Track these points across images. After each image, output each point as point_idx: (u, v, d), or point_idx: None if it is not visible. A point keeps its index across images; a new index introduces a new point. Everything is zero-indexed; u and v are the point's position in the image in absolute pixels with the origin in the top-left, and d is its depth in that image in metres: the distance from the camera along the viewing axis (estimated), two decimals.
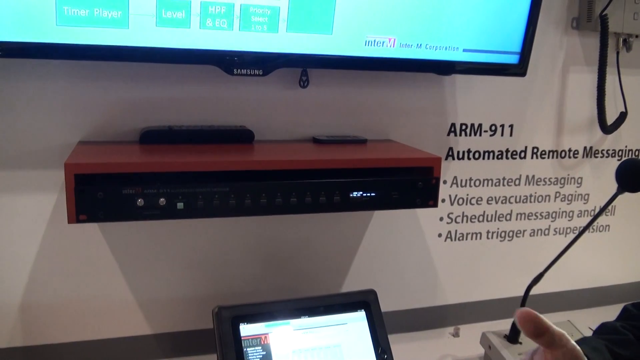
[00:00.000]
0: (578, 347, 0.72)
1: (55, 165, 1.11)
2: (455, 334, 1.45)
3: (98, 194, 0.91)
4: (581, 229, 1.52)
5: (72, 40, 0.96)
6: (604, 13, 1.35)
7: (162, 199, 0.94)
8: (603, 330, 0.95)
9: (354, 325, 1.13)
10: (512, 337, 1.24)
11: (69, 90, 1.10)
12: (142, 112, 1.15)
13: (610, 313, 1.44)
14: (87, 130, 1.12)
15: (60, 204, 1.14)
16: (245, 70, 1.07)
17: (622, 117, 1.48)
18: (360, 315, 1.14)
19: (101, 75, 1.11)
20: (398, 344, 1.15)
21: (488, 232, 1.48)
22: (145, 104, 1.14)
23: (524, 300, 1.23)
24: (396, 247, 1.40)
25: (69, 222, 0.92)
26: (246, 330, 1.06)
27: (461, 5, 1.15)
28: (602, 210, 1.14)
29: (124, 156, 1.01)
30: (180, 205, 0.96)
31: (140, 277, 1.23)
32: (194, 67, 1.13)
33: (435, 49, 1.17)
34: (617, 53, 1.45)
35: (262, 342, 1.06)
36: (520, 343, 1.23)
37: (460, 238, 1.46)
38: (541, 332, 0.66)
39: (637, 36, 1.45)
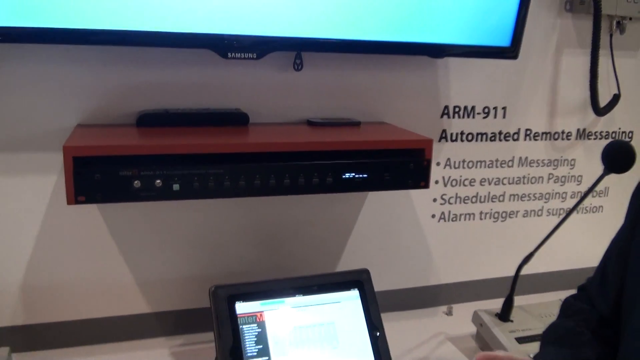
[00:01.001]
0: None
1: (54, 148, 1.13)
2: (449, 313, 1.48)
3: (96, 176, 0.93)
4: (577, 209, 1.55)
5: (69, 25, 0.97)
6: None
7: (158, 181, 0.96)
8: (560, 333, 0.94)
9: (348, 304, 1.15)
10: (504, 315, 1.27)
11: (67, 74, 1.12)
12: (138, 95, 1.17)
13: None
14: (85, 114, 1.14)
15: (60, 186, 1.16)
16: (239, 54, 1.08)
17: (615, 99, 1.49)
18: (354, 294, 1.16)
19: (98, 60, 1.12)
20: (392, 322, 1.18)
21: (481, 213, 1.51)
22: (141, 88, 1.16)
23: (515, 279, 1.25)
24: (390, 228, 1.43)
25: (68, 203, 0.95)
26: (242, 308, 1.09)
27: None
28: (589, 191, 1.16)
29: (122, 139, 1.04)
30: (176, 186, 0.98)
31: (139, 258, 1.25)
32: (189, 51, 1.15)
33: (428, 33, 1.19)
34: (611, 35, 1.46)
35: (258, 320, 1.09)
36: (512, 321, 1.26)
37: (454, 219, 1.49)
38: None
39: (630, 18, 1.46)
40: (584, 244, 1.60)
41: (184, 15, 1.02)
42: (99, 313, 1.26)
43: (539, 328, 1.23)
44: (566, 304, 1.00)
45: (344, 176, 1.08)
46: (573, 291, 1.54)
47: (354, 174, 1.09)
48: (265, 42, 1.09)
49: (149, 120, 1.13)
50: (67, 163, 0.93)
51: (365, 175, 1.09)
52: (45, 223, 1.18)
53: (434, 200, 1.45)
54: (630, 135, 1.59)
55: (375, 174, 1.10)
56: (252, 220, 1.31)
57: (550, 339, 0.94)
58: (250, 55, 1.09)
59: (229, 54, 1.07)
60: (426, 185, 1.15)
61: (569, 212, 1.20)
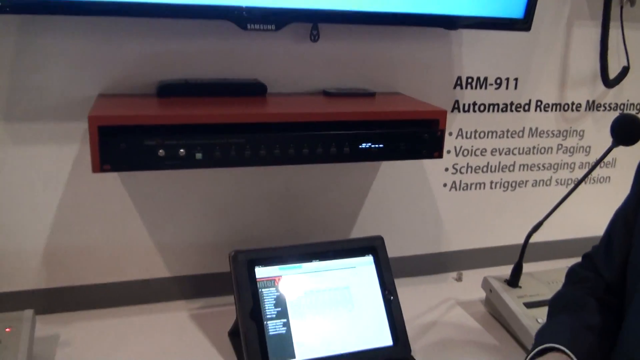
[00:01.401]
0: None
1: (76, 117, 1.16)
2: (459, 279, 1.52)
3: (121, 145, 0.97)
4: (585, 179, 1.58)
5: None
6: None
7: (181, 150, 1.00)
8: (567, 300, 0.97)
9: (362, 269, 1.20)
10: (513, 281, 1.31)
11: (88, 45, 1.14)
12: (158, 66, 1.19)
13: None
14: (106, 84, 1.17)
15: (82, 154, 1.19)
16: (258, 25, 1.11)
17: (625, 71, 1.51)
18: (368, 259, 1.20)
19: (119, 31, 1.15)
20: (404, 287, 1.22)
21: (491, 182, 1.54)
22: (161, 58, 1.19)
23: (524, 247, 1.29)
24: (402, 196, 1.46)
25: (94, 171, 0.98)
26: (261, 272, 1.13)
27: None
28: (598, 162, 1.19)
29: (145, 109, 1.07)
30: (198, 155, 1.01)
31: (159, 224, 1.29)
32: (208, 22, 1.17)
33: (443, 5, 1.21)
34: (621, 7, 1.47)
35: (276, 284, 1.13)
36: (520, 287, 1.30)
37: (465, 188, 1.52)
38: None
39: None
40: (591, 214, 1.63)
41: None
42: (120, 277, 1.30)
43: (546, 294, 1.27)
44: (572, 272, 1.04)
45: (360, 146, 1.11)
46: (579, 259, 1.58)
47: (370, 144, 1.12)
48: (284, 13, 1.11)
49: (169, 91, 1.16)
50: (93, 132, 0.97)
51: (381, 145, 1.13)
52: (68, 190, 1.21)
53: (446, 169, 1.48)
54: (638, 107, 1.61)
55: (390, 144, 1.13)
56: (268, 188, 1.34)
57: (558, 307, 0.97)
58: (269, 26, 1.11)
59: (249, 25, 1.10)
60: (440, 155, 1.18)
61: (578, 183, 1.23)
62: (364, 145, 1.11)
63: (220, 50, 1.22)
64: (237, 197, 1.33)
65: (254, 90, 1.22)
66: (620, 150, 1.18)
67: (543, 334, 0.92)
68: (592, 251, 1.02)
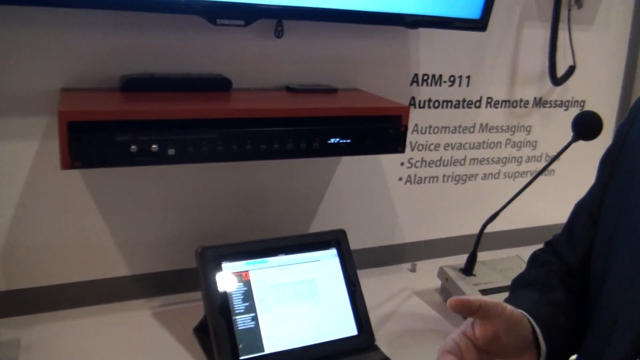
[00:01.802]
0: (516, 311, 0.81)
1: (38, 112, 1.13)
2: (413, 269, 1.57)
3: (93, 141, 0.95)
4: (530, 172, 1.66)
5: None
6: None
7: (154, 146, 0.99)
8: (531, 279, 1.00)
9: (327, 262, 1.22)
10: (467, 269, 1.37)
11: (50, 38, 1.11)
12: (122, 59, 1.17)
13: None
14: (68, 78, 1.14)
15: (43, 150, 1.16)
16: (228, 21, 1.11)
17: (571, 70, 1.60)
18: (332, 252, 1.23)
19: (82, 23, 1.12)
20: (362, 278, 1.25)
21: (444, 176, 1.59)
22: (125, 52, 1.17)
23: (479, 237, 1.35)
24: (361, 191, 1.50)
25: (63, 168, 0.96)
26: (228, 268, 1.13)
27: None
28: (558, 155, 1.26)
29: (113, 104, 1.05)
30: (171, 151, 1.01)
31: (120, 222, 1.27)
32: (175, 16, 1.16)
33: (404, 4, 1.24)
34: (569, 10, 1.56)
35: (244, 279, 1.14)
36: (474, 275, 1.36)
37: (419, 182, 1.57)
38: (474, 309, 0.76)
39: None
40: (539, 205, 1.72)
41: None
42: (81, 277, 1.27)
43: (500, 281, 1.35)
44: (535, 257, 1.07)
45: (329, 141, 1.14)
46: (529, 247, 1.66)
47: (338, 139, 1.14)
48: (254, 9, 1.12)
49: (135, 85, 1.14)
50: (62, 128, 0.94)
51: (348, 141, 1.15)
52: (27, 188, 1.17)
53: (402, 164, 1.53)
54: (582, 104, 1.71)
55: (357, 139, 1.16)
56: (228, 184, 1.34)
57: (520, 285, 1.00)
58: (239, 22, 1.12)
59: (219, 21, 1.10)
60: (403, 150, 1.23)
61: (537, 175, 1.30)
62: (332, 140, 1.14)
63: (185, 44, 1.21)
64: (198, 194, 1.32)
65: (219, 85, 1.22)
66: (561, 145, 1.25)
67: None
68: (554, 238, 1.06)
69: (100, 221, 1.25)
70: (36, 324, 1.20)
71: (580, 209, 0.97)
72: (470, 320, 0.81)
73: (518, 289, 0.99)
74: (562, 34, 1.57)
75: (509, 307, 0.82)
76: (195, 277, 1.27)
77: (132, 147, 0.98)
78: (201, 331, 1.18)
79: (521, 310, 0.84)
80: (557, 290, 0.93)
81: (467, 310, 0.77)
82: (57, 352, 1.12)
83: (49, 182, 1.18)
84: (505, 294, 1.28)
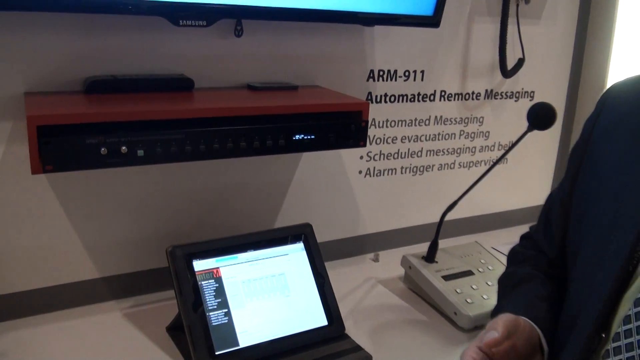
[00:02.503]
0: (526, 320, 0.88)
1: (2, 117, 1.12)
2: (375, 259, 1.62)
3: (64, 145, 0.95)
4: (484, 162, 1.73)
5: None
6: None
7: (123, 147, 1.00)
8: (518, 278, 1.03)
9: (295, 255, 1.25)
10: (429, 257, 1.41)
11: (12, 41, 1.10)
12: (85, 62, 1.17)
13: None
14: (31, 82, 1.14)
15: (7, 155, 1.15)
16: (190, 21, 1.12)
17: (520, 62, 1.67)
18: (299, 246, 1.26)
19: (44, 26, 1.12)
20: (329, 270, 1.28)
21: (402, 167, 1.64)
22: (88, 54, 1.17)
23: (440, 225, 1.40)
24: (324, 185, 1.53)
25: (34, 172, 0.96)
26: (199, 265, 1.15)
27: None
28: (514, 144, 1.32)
29: (79, 107, 1.06)
30: (140, 152, 1.02)
31: (88, 224, 1.27)
32: (139, 17, 1.17)
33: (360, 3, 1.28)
34: (517, 5, 1.63)
35: (215, 275, 1.16)
36: (436, 262, 1.41)
37: (378, 174, 1.61)
38: (503, 340, 0.82)
39: None
40: (494, 193, 1.79)
41: None
42: (48, 282, 1.26)
43: (460, 266, 1.40)
44: (515, 254, 1.12)
45: (294, 138, 1.16)
46: (487, 233, 1.73)
47: (303, 136, 1.17)
48: (216, 9, 1.14)
49: (99, 87, 1.15)
50: (31, 132, 0.95)
51: (312, 137, 1.19)
52: None
53: (361, 157, 1.57)
54: (532, 94, 1.79)
55: (321, 135, 1.20)
56: (193, 183, 1.36)
57: (509, 284, 1.03)
58: (201, 22, 1.13)
59: (181, 21, 1.11)
60: (364, 144, 1.27)
61: (495, 163, 1.36)
62: (297, 136, 1.17)
63: (147, 45, 1.22)
64: (165, 194, 1.33)
65: (182, 85, 1.23)
66: (515, 135, 1.32)
67: (500, 309, 0.97)
68: (531, 232, 1.11)
69: (68, 225, 1.25)
70: (7, 331, 1.19)
71: (553, 200, 1.02)
72: (482, 334, 0.85)
73: (508, 289, 1.03)
74: (511, 29, 1.63)
75: (522, 319, 0.87)
76: (163, 276, 1.29)
77: (102, 149, 0.98)
78: (175, 329, 1.20)
79: (523, 317, 0.89)
80: (545, 284, 0.98)
81: (498, 344, 0.82)
82: (30, 359, 1.12)
83: (14, 187, 1.18)
84: (467, 279, 1.36)
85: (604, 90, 0.97)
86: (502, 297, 1.03)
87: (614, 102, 0.90)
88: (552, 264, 1.02)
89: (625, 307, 0.77)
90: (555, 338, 0.90)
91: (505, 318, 0.86)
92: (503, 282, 1.07)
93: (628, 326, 0.75)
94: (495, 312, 0.99)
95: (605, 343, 0.78)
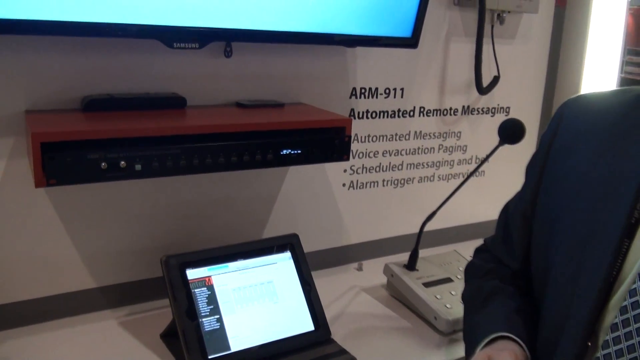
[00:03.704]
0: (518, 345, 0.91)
1: (4, 133, 1.18)
2: (359, 269, 1.68)
3: (66, 160, 1.02)
4: (462, 174, 1.80)
5: (17, 15, 1.03)
6: None
7: (122, 162, 1.06)
8: (486, 292, 1.03)
9: (282, 264, 1.31)
10: (410, 265, 1.48)
11: (14, 62, 1.16)
12: (84, 81, 1.24)
13: None
14: (32, 101, 1.20)
15: (10, 169, 1.21)
16: (183, 44, 1.20)
17: (495, 80, 1.76)
18: (287, 255, 1.32)
19: (46, 47, 1.18)
20: (315, 278, 1.34)
21: (384, 180, 1.71)
22: (85, 74, 1.24)
23: (420, 235, 1.47)
24: (309, 197, 1.60)
25: (37, 186, 1.02)
26: (192, 274, 1.20)
27: None
28: (487, 157, 1.40)
29: (79, 124, 1.12)
30: (138, 167, 1.08)
31: (85, 235, 1.32)
32: (135, 40, 1.23)
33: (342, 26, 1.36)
34: (492, 26, 1.72)
35: (207, 284, 1.21)
36: (417, 270, 1.48)
37: (361, 187, 1.68)
38: None
39: (509, 12, 1.73)
40: (472, 204, 1.86)
41: (136, 9, 1.12)
42: (46, 292, 1.31)
43: (440, 274, 1.47)
44: (475, 268, 1.13)
45: (282, 152, 1.24)
46: (465, 242, 1.79)
47: (290, 150, 1.24)
48: (207, 32, 1.21)
49: (96, 105, 1.21)
50: (35, 148, 1.01)
51: (299, 151, 1.26)
52: None
53: (345, 171, 1.64)
54: (507, 110, 1.87)
55: (307, 150, 1.27)
56: (186, 196, 1.42)
57: (479, 299, 1.04)
58: (194, 45, 1.20)
59: (175, 44, 1.18)
60: (347, 158, 1.34)
61: (469, 176, 1.43)
62: (284, 151, 1.24)
63: (142, 66, 1.29)
64: (158, 206, 1.39)
65: (175, 103, 1.30)
66: (491, 148, 1.40)
67: (480, 326, 0.98)
68: (489, 245, 1.14)
69: (65, 236, 1.30)
70: (9, 339, 1.24)
71: (512, 213, 1.05)
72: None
73: (478, 305, 1.04)
74: (487, 48, 1.72)
75: (519, 351, 0.90)
76: (156, 285, 1.35)
77: (103, 164, 1.05)
78: (169, 336, 1.25)
79: (505, 333, 0.93)
80: (515, 297, 1.01)
81: None
82: None
83: (15, 199, 1.23)
84: (446, 285, 1.43)
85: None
86: (475, 313, 1.04)
87: (571, 117, 0.95)
88: (515, 275, 1.04)
89: (612, 315, 0.80)
90: (539, 351, 0.92)
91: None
92: (471, 296, 1.08)
93: (616, 333, 0.79)
94: (473, 329, 1.01)
95: (595, 351, 0.81)
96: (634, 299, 0.78)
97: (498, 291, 1.02)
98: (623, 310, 0.79)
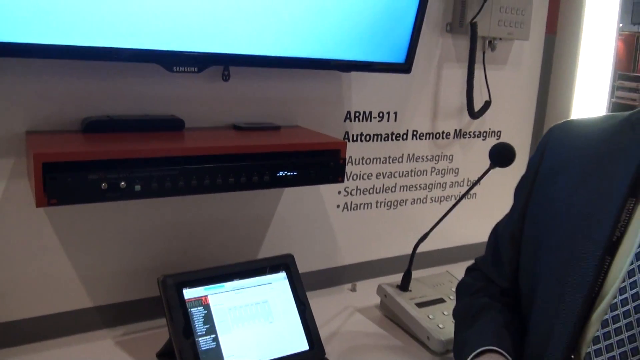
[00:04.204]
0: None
1: (5, 154, 1.20)
2: (353, 289, 1.70)
3: (67, 180, 1.04)
4: (454, 196, 1.83)
5: (19, 39, 1.07)
6: (473, 21, 1.65)
7: (122, 183, 1.09)
8: (476, 309, 1.07)
9: (278, 284, 1.33)
10: (403, 286, 1.50)
11: (15, 84, 1.19)
12: (84, 103, 1.26)
13: None
14: (32, 122, 1.22)
15: (10, 189, 1.23)
16: (183, 68, 1.23)
17: (487, 105, 1.80)
18: (282, 275, 1.34)
19: (48, 69, 1.21)
20: (309, 299, 1.35)
21: (377, 202, 1.74)
22: (87, 96, 1.27)
23: (412, 255, 1.50)
24: (303, 218, 1.62)
25: (38, 205, 1.04)
26: (189, 293, 1.22)
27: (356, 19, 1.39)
28: (478, 180, 1.43)
29: (79, 145, 1.15)
30: (137, 187, 1.11)
31: (82, 255, 1.34)
32: (134, 63, 1.26)
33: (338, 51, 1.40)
34: (484, 53, 1.77)
35: (203, 303, 1.23)
36: (410, 290, 1.50)
37: (355, 208, 1.71)
38: None
39: (500, 39, 1.78)
40: (464, 226, 1.89)
41: (139, 34, 1.15)
42: (43, 311, 1.32)
43: (432, 295, 1.49)
44: (466, 286, 1.18)
45: (278, 174, 1.26)
46: (458, 264, 1.81)
47: (286, 172, 1.27)
48: (206, 57, 1.25)
49: (96, 127, 1.24)
50: (37, 168, 1.03)
51: (295, 173, 1.28)
52: None
53: (339, 192, 1.67)
54: (498, 134, 1.91)
55: (302, 171, 1.30)
56: (184, 217, 1.44)
57: (469, 315, 1.09)
58: (193, 68, 1.24)
59: (175, 68, 1.22)
60: (342, 180, 1.37)
61: (460, 198, 1.46)
62: (280, 173, 1.27)
63: (141, 89, 1.32)
64: (155, 227, 1.41)
65: (173, 125, 1.33)
66: (480, 172, 1.43)
67: (468, 341, 1.02)
68: (479, 264, 1.18)
69: (63, 256, 1.32)
70: (6, 358, 1.25)
71: (501, 234, 1.10)
72: None
73: (469, 321, 1.08)
74: (478, 73, 1.76)
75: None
76: (152, 305, 1.37)
77: (103, 184, 1.07)
78: (165, 355, 1.26)
79: (493, 347, 0.97)
80: (504, 312, 1.05)
81: None
82: None
83: (14, 219, 1.25)
84: (439, 306, 1.45)
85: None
86: (465, 328, 1.08)
87: (556, 143, 1.00)
88: (504, 293, 1.08)
89: (594, 329, 0.84)
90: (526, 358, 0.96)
91: None
92: (461, 313, 1.12)
93: (597, 346, 0.83)
94: (462, 344, 1.04)
95: None
96: (614, 313, 0.82)
97: (487, 308, 1.06)
98: (604, 323, 0.83)
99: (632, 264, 0.82)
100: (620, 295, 0.82)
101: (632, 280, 0.81)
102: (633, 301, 0.80)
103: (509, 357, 0.95)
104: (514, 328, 1.02)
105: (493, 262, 1.11)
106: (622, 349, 0.80)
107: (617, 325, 0.81)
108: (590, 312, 0.85)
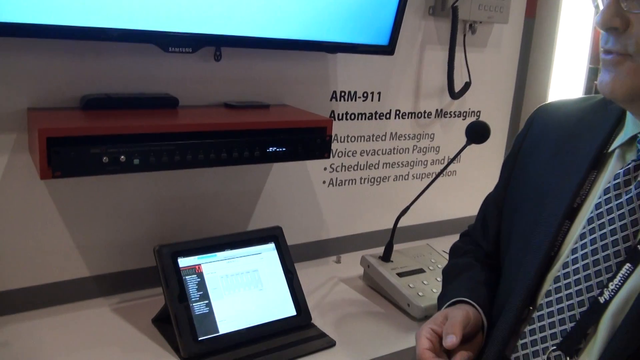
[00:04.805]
0: (473, 309, 1.04)
1: (7, 129, 1.26)
2: (338, 261, 1.78)
3: (71, 154, 1.10)
4: (435, 173, 1.90)
5: (20, 19, 1.11)
6: (455, 5, 1.71)
7: (122, 156, 1.15)
8: (460, 267, 1.18)
9: (267, 254, 1.41)
10: (385, 257, 1.58)
11: (17, 62, 1.24)
12: (83, 82, 1.32)
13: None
14: (34, 98, 1.28)
15: (12, 164, 1.28)
16: (178, 48, 1.29)
17: (467, 86, 1.87)
18: (271, 246, 1.42)
19: (47, 49, 1.26)
20: (297, 270, 1.44)
21: (361, 178, 1.81)
22: (86, 75, 1.32)
23: (394, 228, 1.57)
24: (291, 194, 1.69)
25: (42, 178, 1.10)
26: (183, 262, 1.29)
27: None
28: (455, 157, 1.50)
29: (80, 121, 1.21)
30: (136, 161, 1.17)
31: (81, 226, 1.40)
32: (131, 43, 1.32)
33: (324, 33, 1.46)
34: (464, 36, 1.83)
35: (197, 271, 1.30)
36: (392, 261, 1.58)
37: (340, 184, 1.78)
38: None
39: (480, 22, 1.84)
40: (444, 202, 1.97)
41: (136, 15, 1.21)
42: (41, 280, 1.38)
43: (413, 265, 1.57)
44: (456, 248, 1.29)
45: (268, 150, 1.33)
46: (438, 238, 1.89)
47: (276, 148, 1.34)
48: (200, 38, 1.30)
49: (95, 104, 1.30)
50: (42, 142, 1.09)
51: (284, 149, 1.36)
52: None
53: (325, 169, 1.74)
54: (478, 114, 1.99)
55: (291, 147, 1.37)
56: (178, 190, 1.50)
57: (452, 273, 1.19)
58: (187, 49, 1.30)
59: (170, 48, 1.28)
60: (328, 156, 1.44)
61: (438, 174, 1.53)
62: (271, 149, 1.34)
63: (137, 68, 1.37)
64: (151, 199, 1.47)
65: (168, 103, 1.39)
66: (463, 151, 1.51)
67: (448, 293, 1.13)
68: (470, 230, 1.29)
69: (62, 227, 1.37)
70: (7, 324, 1.30)
71: (488, 202, 1.21)
72: (437, 318, 1.02)
73: (452, 277, 1.19)
74: (459, 56, 1.83)
75: (470, 309, 1.03)
76: (148, 275, 1.44)
77: (104, 158, 1.13)
78: (160, 320, 1.33)
79: (465, 299, 1.07)
80: (483, 271, 1.15)
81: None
82: (21, 352, 1.22)
83: (16, 191, 1.30)
84: (419, 275, 1.54)
85: None
86: (448, 283, 1.19)
87: (539, 122, 1.09)
88: (488, 256, 1.19)
89: (548, 284, 0.94)
90: (492, 313, 1.06)
91: (459, 318, 1.01)
92: (447, 271, 1.23)
93: (549, 298, 0.92)
94: (442, 296, 1.15)
95: (532, 313, 0.95)
96: (566, 270, 0.92)
97: (470, 267, 1.17)
98: (556, 279, 0.93)
99: (584, 227, 0.92)
100: (572, 255, 0.92)
101: (582, 242, 0.91)
102: (582, 260, 0.90)
103: (479, 308, 1.05)
104: (490, 285, 1.11)
105: (481, 227, 1.22)
106: (570, 302, 0.90)
107: (567, 280, 0.91)
108: (547, 270, 0.95)
